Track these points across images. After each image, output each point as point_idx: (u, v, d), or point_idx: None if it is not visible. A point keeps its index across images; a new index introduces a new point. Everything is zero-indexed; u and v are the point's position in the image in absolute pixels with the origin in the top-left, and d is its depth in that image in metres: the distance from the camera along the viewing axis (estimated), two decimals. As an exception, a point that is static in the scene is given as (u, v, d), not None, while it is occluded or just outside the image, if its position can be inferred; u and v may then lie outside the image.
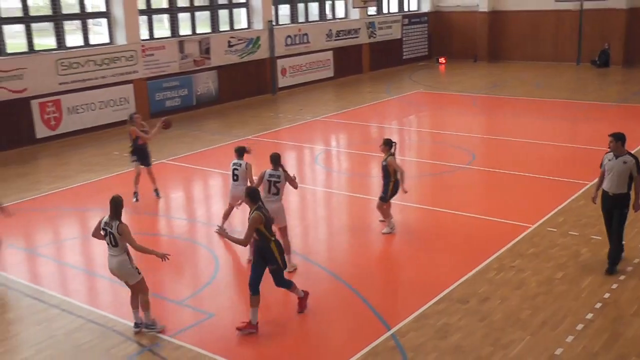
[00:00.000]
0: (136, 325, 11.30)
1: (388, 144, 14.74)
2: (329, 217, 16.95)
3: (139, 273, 11.15)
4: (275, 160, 13.16)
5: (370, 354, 10.34)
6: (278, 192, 13.08)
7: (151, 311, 11.22)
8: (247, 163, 14.63)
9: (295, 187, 13.53)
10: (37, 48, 25.04)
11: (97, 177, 20.13)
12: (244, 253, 13.79)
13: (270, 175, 13.06)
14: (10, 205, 17.75)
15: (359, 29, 37.10)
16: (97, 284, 13.57)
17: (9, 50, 24.24)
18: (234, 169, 14.64)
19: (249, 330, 10.87)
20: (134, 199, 17.42)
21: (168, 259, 11.14)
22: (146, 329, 11.25)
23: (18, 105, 23.88)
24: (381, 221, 15.22)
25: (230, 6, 31.49)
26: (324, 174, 20.22)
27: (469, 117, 26.62)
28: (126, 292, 11.46)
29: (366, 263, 13.65)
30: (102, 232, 11.08)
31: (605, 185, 12.64)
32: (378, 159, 20.70)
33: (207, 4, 30.59)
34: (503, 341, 10.54)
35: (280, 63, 32.88)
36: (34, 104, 24.27)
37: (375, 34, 38.18)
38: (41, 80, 24.37)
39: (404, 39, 40.31)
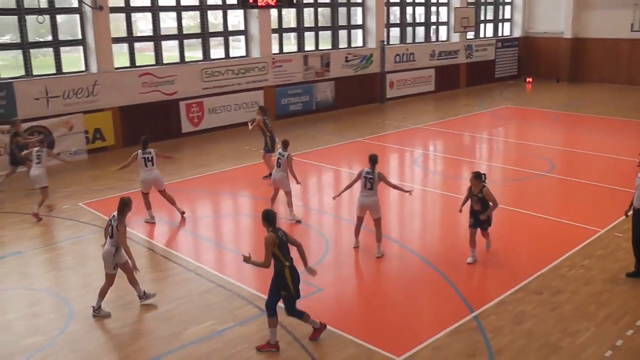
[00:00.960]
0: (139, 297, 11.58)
1: (479, 177, 12.54)
2: (424, 212, 16.93)
3: (114, 269, 11.19)
4: (373, 160, 13.22)
5: (455, 332, 10.37)
6: (372, 188, 13.10)
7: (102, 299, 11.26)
8: (289, 154, 15.38)
9: (393, 186, 13.69)
10: (186, 59, 25.92)
11: (230, 166, 20.70)
12: (348, 238, 14.05)
13: (367, 173, 13.16)
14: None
15: (458, 50, 36.80)
16: (225, 255, 13.98)
17: (165, 61, 25.23)
18: (278, 158, 15.55)
19: (269, 349, 9.91)
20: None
21: (137, 270, 11.22)
22: (142, 298, 11.56)
23: (169, 105, 24.83)
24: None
25: (349, 27, 31.64)
26: (422, 174, 20.15)
27: (550, 130, 26.00)
28: (249, 265, 11.90)
29: (454, 253, 13.55)
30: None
31: (634, 201, 12.25)
32: (469, 164, 20.73)
33: (329, 24, 30.90)
34: (571, 330, 10.43)
35: (389, 77, 32.85)
36: (182, 105, 25.14)
37: (472, 55, 37.77)
38: (188, 85, 25.21)
39: (496, 60, 39.67)
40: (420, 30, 35.72)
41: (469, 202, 12.92)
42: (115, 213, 11.10)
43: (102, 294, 11.31)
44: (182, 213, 15.94)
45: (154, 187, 15.67)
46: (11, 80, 21.25)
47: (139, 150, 15.46)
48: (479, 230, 12.99)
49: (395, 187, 13.80)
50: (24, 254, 14.08)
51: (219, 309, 11.22)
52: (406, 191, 14.06)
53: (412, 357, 9.77)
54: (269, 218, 9.74)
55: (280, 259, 9.69)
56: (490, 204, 12.51)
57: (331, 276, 12.63)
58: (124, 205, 11.08)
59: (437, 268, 12.80)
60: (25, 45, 21.77)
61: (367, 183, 13.15)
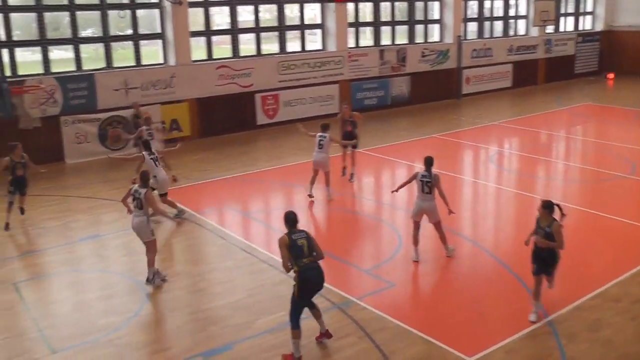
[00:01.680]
0: (147, 280, 12.00)
1: (548, 207, 10.29)
2: (498, 210, 16.66)
3: (153, 235, 11.94)
4: (429, 162, 12.62)
5: (528, 336, 10.11)
6: (431, 192, 12.52)
7: (154, 268, 11.90)
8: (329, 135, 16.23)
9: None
10: (263, 52, 26.18)
11: (304, 159, 20.63)
12: (424, 237, 13.97)
13: (423, 176, 12.56)
14: (235, 176, 18.95)
15: (537, 45, 36.01)
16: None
17: (241, 54, 25.51)
18: (320, 140, 16.14)
19: None
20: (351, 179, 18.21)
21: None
22: (147, 282, 11.91)
23: (245, 97, 25.12)
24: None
25: (426, 22, 31.35)
26: (496, 172, 19.83)
27: (633, 130, 25.06)
28: (335, 263, 11.90)
29: (528, 254, 13.04)
30: (131, 197, 11.99)
31: None
32: (545, 162, 20.33)
33: (405, 19, 30.70)
34: (653, 341, 9.99)
35: (465, 73, 32.41)
36: (257, 97, 25.40)
37: (551, 50, 36.87)
38: (264, 78, 25.44)
39: (577, 55, 38.74)
40: (498, 25, 35.10)
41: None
42: (137, 186, 11.93)
43: (151, 263, 11.90)
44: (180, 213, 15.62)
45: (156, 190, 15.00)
46: (92, 72, 21.89)
47: (145, 152, 15.03)
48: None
49: (443, 196, 12.61)
50: (101, 238, 14.51)
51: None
52: (450, 210, 12.65)
53: (483, 358, 9.60)
54: (286, 219, 9.55)
55: (291, 261, 9.34)
56: (558, 243, 10.21)
57: (402, 272, 12.56)
58: (145, 177, 11.98)
59: (511, 269, 12.53)
60: (107, 39, 22.38)
61: (424, 186, 12.55)
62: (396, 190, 13.53)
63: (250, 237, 14.56)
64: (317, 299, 11.20)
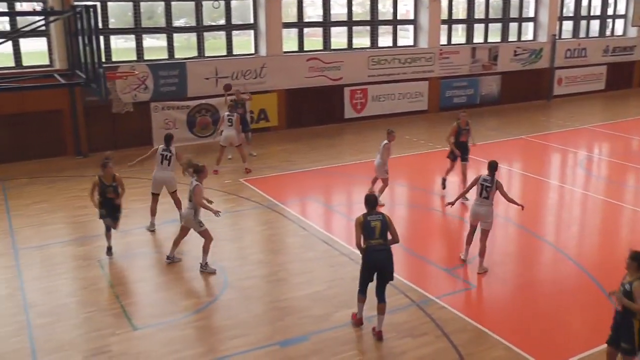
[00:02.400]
0: (167, 257, 12.57)
1: (636, 260, 8.50)
2: (583, 217, 16.09)
3: (201, 226, 12.16)
4: (492, 167, 12.24)
5: None
6: (488, 197, 12.12)
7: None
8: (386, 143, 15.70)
9: (511, 201, 12.37)
10: (354, 46, 26.13)
11: (391, 155, 20.65)
12: (503, 237, 13.70)
13: (484, 180, 12.19)
14: (320, 169, 18.99)
15: (634, 46, 34.56)
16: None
17: (332, 47, 25.52)
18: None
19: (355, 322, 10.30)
20: (442, 187, 17.14)
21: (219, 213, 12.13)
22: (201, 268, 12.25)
23: (334, 90, 25.12)
24: None
25: (520, 20, 30.66)
26: (584, 177, 19.20)
27: None
28: (402, 255, 11.84)
29: (613, 263, 12.47)
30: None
31: None
32: (636, 170, 19.57)
33: (499, 16, 30.11)
34: None
35: (557, 73, 31.51)
36: (346, 91, 25.36)
37: (650, 52, 35.60)
38: (354, 72, 25.37)
39: (678, 58, 37.16)
40: (595, 24, 33.92)
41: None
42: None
43: (205, 250, 12.17)
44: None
45: (165, 189, 14.46)
46: (184, 61, 22.28)
47: (160, 146, 14.40)
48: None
49: (510, 200, 12.35)
50: (185, 221, 14.77)
51: (370, 295, 11.22)
52: (519, 204, 12.46)
53: (563, 369, 9.31)
54: (366, 201, 10.02)
55: (363, 240, 9.87)
56: (636, 306, 8.26)
57: (484, 273, 12.29)
58: (200, 171, 12.11)
59: (595, 278, 12.10)
60: (200, 29, 22.75)
61: (483, 191, 12.19)
62: (453, 203, 12.87)
63: (332, 229, 14.55)
64: (396, 296, 11.15)
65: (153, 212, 14.40)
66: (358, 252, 10.11)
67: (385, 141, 15.67)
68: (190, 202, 12.04)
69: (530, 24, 31.17)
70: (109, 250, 12.95)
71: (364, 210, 9.98)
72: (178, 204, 14.50)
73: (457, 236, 14.22)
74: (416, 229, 14.87)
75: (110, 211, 12.70)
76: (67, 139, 20.62)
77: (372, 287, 10.07)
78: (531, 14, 31.04)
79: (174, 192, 14.51)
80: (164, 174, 14.25)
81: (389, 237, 9.94)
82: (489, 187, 12.12)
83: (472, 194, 12.88)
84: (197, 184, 11.96)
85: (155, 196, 14.43)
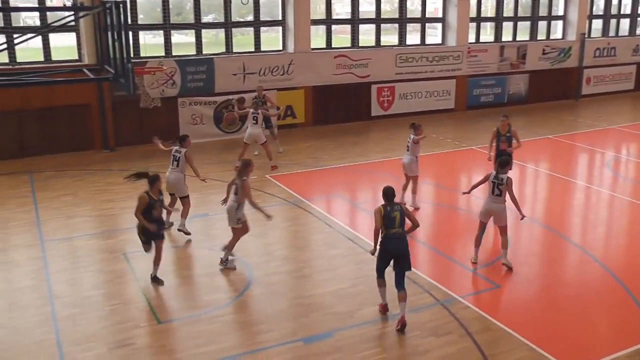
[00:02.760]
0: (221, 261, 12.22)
1: None
2: (610, 218, 15.84)
3: (238, 223, 12.02)
4: (502, 164, 12.14)
5: (637, 354, 9.58)
6: (501, 194, 12.00)
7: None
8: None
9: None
10: (382, 44, 26.04)
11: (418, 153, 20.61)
12: (529, 237, 13.57)
13: (495, 178, 12.07)
14: (346, 166, 18.96)
15: (666, 47, 34.29)
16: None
17: (360, 44, 25.45)
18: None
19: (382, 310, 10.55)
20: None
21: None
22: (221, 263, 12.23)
23: (361, 88, 25.08)
24: None
25: (549, 18, 30.35)
26: (612, 178, 18.93)
27: None
28: (426, 253, 11.78)
29: None
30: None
31: None
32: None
33: (528, 15, 29.84)
34: None
35: (586, 73, 31.13)
36: (374, 88, 25.32)
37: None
38: (382, 69, 25.30)
39: None
40: (625, 23, 33.43)
41: None
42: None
43: (230, 247, 12.15)
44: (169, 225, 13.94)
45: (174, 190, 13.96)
46: (212, 57, 22.35)
47: (174, 147, 13.99)
48: None
49: (514, 200, 12.01)
50: (210, 217, 14.80)
51: (394, 293, 11.19)
52: (521, 214, 12.15)
53: (588, 372, 9.21)
54: (384, 193, 10.32)
55: (382, 228, 10.14)
56: None
57: (508, 274, 12.19)
58: (246, 166, 12.03)
59: (621, 280, 11.92)
60: (228, 25, 22.79)
61: (495, 189, 12.09)
62: (468, 192, 13.07)
63: (357, 227, 14.50)
64: (421, 295, 11.11)
65: (169, 211, 13.00)
66: (372, 242, 10.32)
67: (413, 135, 15.44)
68: (236, 196, 11.95)
69: (560, 22, 30.85)
70: (158, 280, 11.65)
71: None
72: (185, 211, 13.73)
73: (483, 236, 14.09)
74: (442, 228, 14.80)
75: (152, 235, 11.39)
76: (95, 133, 20.79)
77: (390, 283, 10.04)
78: (560, 12, 30.70)
79: (183, 198, 13.80)
80: (172, 175, 13.79)
81: (407, 226, 10.28)
82: (500, 185, 12.04)
83: (483, 192, 12.84)
84: (244, 179, 11.89)
85: (172, 195, 14.02)
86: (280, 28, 23.94)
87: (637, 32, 33.75)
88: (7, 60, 19.53)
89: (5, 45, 17.36)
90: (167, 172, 13.85)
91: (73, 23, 19.54)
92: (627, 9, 33.38)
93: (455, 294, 11.17)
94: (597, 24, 32.32)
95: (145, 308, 10.69)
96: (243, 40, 24.03)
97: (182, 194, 13.84)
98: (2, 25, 19.60)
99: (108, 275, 12.01)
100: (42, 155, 19.75)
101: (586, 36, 30.76)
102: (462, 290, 11.43)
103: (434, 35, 27.54)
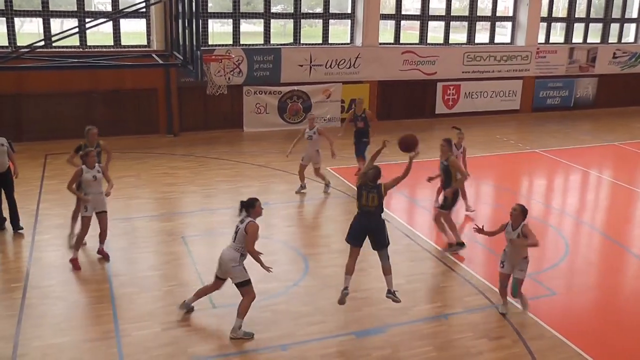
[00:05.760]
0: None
1: None
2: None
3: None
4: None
5: None
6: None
7: None
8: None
9: None
10: (450, 42, 25.82)
11: (480, 154, 20.30)
12: (587, 245, 13.26)
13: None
14: (406, 162, 18.77)
15: None
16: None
17: (428, 41, 25.25)
18: None
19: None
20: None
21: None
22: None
23: (427, 85, 24.95)
24: None
25: (622, 20, 29.51)
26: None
27: None
28: (481, 255, 11.64)
29: None
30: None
31: None
32: None
33: (601, 17, 29.10)
34: None
35: (657, 79, 30.43)
36: (439, 86, 25.12)
37: None
38: (448, 67, 25.08)
39: None
40: None
41: None
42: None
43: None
44: None
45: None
46: (279, 47, 22.45)
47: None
48: None
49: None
50: (269, 206, 14.80)
51: (450, 292, 11.09)
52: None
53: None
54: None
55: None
56: None
57: (565, 281, 11.99)
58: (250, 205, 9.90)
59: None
60: (297, 16, 22.84)
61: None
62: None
63: (415, 224, 14.42)
64: (475, 296, 10.98)
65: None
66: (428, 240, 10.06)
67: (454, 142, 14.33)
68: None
69: (633, 26, 30.01)
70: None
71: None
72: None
73: (542, 241, 13.84)
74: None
75: None
76: (160, 118, 21.12)
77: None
78: (634, 15, 29.87)
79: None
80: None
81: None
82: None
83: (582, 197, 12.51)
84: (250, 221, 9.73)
85: None
86: (349, 21, 23.91)
87: None
88: (77, 44, 19.98)
89: (77, 30, 17.81)
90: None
91: (144, 9, 19.90)
92: None
93: (510, 298, 10.99)
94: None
95: (201, 292, 10.81)
96: (311, 31, 24.09)
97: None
98: (74, 9, 20.05)
99: (166, 257, 12.19)
100: (108, 136, 20.00)
101: (660, 41, 29.83)
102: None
103: (503, 34, 27.14)
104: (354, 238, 10.36)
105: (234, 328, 9.57)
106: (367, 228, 10.24)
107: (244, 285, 9.56)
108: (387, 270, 10.29)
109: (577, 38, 28.55)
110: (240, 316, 9.57)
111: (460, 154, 14.38)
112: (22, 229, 13.01)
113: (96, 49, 20.04)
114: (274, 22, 23.00)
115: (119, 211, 14.22)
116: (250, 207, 9.69)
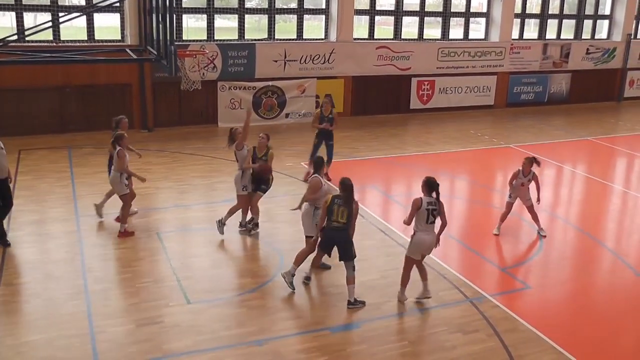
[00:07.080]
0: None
1: None
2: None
3: (244, 190, 12.75)
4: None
5: None
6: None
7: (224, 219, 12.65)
8: None
9: None
10: (425, 37, 25.87)
11: (454, 149, 20.43)
12: (562, 240, 13.40)
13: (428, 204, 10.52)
14: (382, 157, 18.92)
15: None
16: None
17: (403, 37, 25.30)
18: None
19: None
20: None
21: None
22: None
23: (401, 80, 25.00)
24: None
25: (595, 17, 29.81)
26: (652, 184, 18.65)
27: None
28: (458, 249, 11.72)
29: None
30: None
31: None
32: None
33: (574, 13, 29.29)
34: None
35: (630, 74, 30.61)
36: (414, 81, 25.19)
37: None
38: (423, 63, 25.16)
39: None
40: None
41: None
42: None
43: (230, 213, 12.79)
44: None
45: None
46: (254, 42, 22.40)
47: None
48: None
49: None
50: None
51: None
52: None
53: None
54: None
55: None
56: None
57: (540, 276, 12.06)
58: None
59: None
60: (271, 11, 22.80)
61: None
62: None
63: (390, 219, 14.46)
64: (450, 290, 11.04)
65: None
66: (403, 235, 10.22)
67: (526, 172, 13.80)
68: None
69: (605, 22, 30.33)
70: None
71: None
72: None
73: (515, 235, 13.98)
74: (474, 225, 14.64)
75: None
76: (134, 113, 20.97)
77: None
78: (607, 12, 30.19)
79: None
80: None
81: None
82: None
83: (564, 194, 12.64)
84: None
85: None
86: (323, 17, 23.91)
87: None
88: (51, 38, 19.79)
89: (50, 24, 17.65)
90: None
91: (117, 4, 19.74)
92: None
93: (485, 292, 11.08)
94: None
95: (176, 287, 10.78)
96: (285, 27, 24.04)
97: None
98: (47, 3, 19.86)
99: (140, 253, 12.13)
100: (82, 132, 19.99)
101: (632, 37, 30.19)
102: (493, 288, 11.32)
103: (477, 30, 27.29)
104: (324, 248, 10.84)
105: (287, 271, 10.87)
106: (335, 242, 10.56)
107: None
108: (350, 280, 10.45)
109: (550, 34, 28.79)
110: (295, 263, 10.89)
111: (528, 181, 13.81)
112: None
113: (70, 44, 19.82)
114: (248, 18, 22.92)
115: (93, 207, 14.12)
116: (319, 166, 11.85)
